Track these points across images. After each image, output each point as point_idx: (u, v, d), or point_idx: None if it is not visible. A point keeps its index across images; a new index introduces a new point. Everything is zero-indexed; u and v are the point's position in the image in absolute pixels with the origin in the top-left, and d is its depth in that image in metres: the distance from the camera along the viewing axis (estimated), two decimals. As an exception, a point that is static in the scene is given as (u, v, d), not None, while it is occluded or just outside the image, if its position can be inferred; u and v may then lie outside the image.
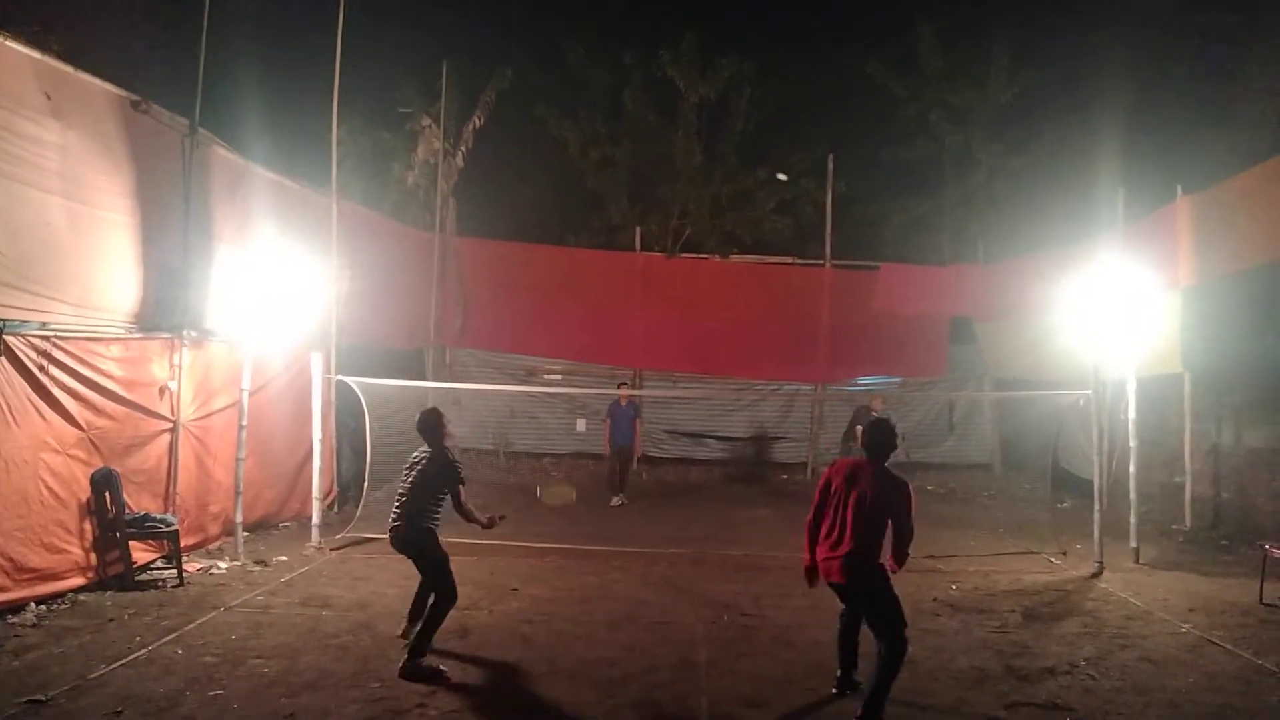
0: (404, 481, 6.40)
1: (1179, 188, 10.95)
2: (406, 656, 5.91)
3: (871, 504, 5.32)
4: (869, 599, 5.34)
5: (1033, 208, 16.03)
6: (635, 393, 13.41)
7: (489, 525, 6.44)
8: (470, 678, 5.87)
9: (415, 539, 6.25)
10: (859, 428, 13.18)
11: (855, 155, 16.99)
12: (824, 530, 5.46)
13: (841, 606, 5.72)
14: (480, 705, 5.44)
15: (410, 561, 6.38)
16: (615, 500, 13.12)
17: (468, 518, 6.32)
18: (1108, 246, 9.85)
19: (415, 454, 6.48)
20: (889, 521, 5.35)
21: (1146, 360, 9.91)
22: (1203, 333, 10.73)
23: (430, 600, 6.25)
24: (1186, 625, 7.33)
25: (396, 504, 6.36)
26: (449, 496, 6.29)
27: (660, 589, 8.38)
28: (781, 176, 17.54)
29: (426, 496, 6.29)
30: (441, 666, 5.91)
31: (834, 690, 5.68)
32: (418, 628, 6.12)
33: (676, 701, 5.60)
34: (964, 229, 17.05)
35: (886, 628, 5.26)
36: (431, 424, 6.46)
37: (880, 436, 5.62)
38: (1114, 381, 10.22)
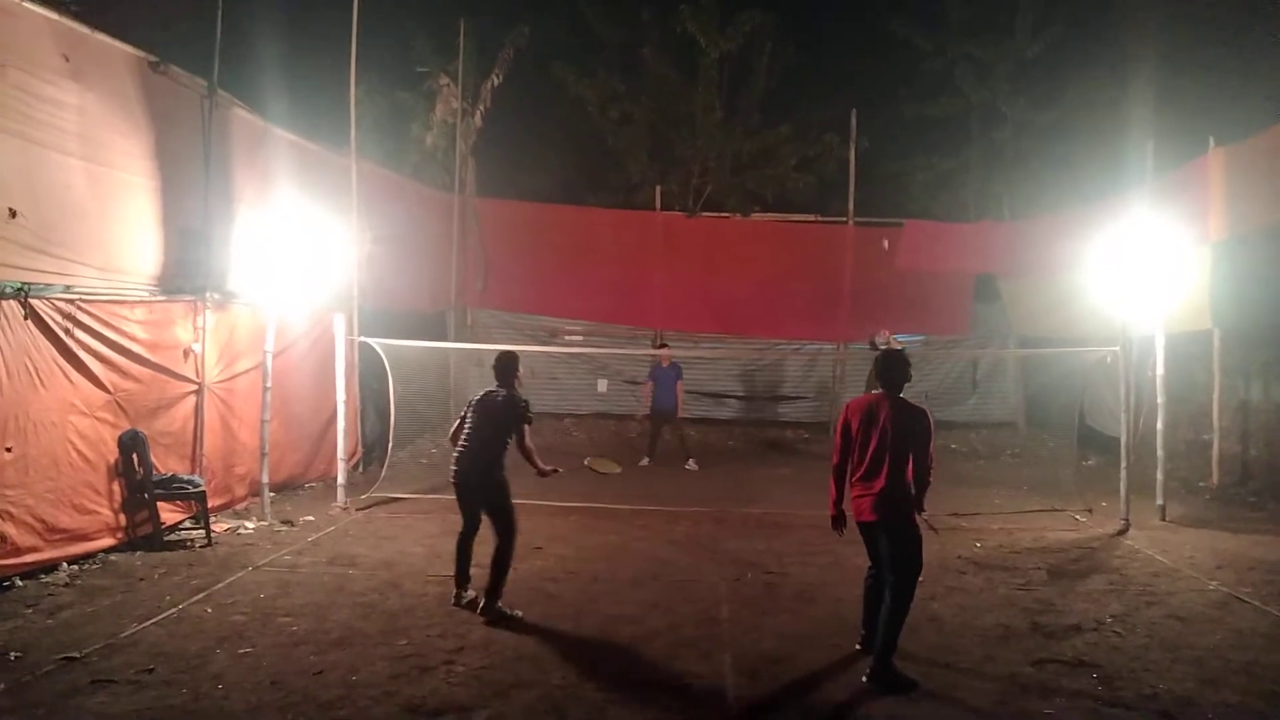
0: (468, 423, 6.60)
1: (1211, 139, 10.71)
2: (486, 599, 6.23)
3: (893, 437, 5.30)
4: (894, 538, 5.30)
5: (1060, 162, 15.75)
6: (662, 351, 13.19)
7: (544, 474, 6.63)
8: (496, 635, 5.92)
9: (486, 490, 6.45)
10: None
11: (879, 111, 16.70)
12: (851, 470, 5.44)
13: (868, 565, 5.67)
14: (507, 662, 5.49)
15: (462, 513, 6.61)
16: (644, 461, 13.09)
17: (528, 457, 6.53)
18: (1137, 201, 9.66)
19: (479, 394, 6.71)
20: (911, 455, 5.34)
21: (1175, 316, 9.75)
22: (1233, 288, 10.54)
23: (495, 544, 6.38)
24: (1214, 582, 7.29)
25: (462, 447, 6.54)
26: (514, 437, 6.47)
27: (683, 547, 8.41)
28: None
29: (494, 438, 6.46)
30: (518, 611, 6.25)
31: (858, 647, 5.68)
32: (488, 577, 6.32)
33: (701, 658, 5.62)
34: (989, 185, 16.79)
35: (903, 569, 5.26)
36: (508, 366, 6.70)
37: (893, 368, 5.58)
38: (1141, 338, 10.09)
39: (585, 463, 6.90)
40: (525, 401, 6.61)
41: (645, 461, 13.08)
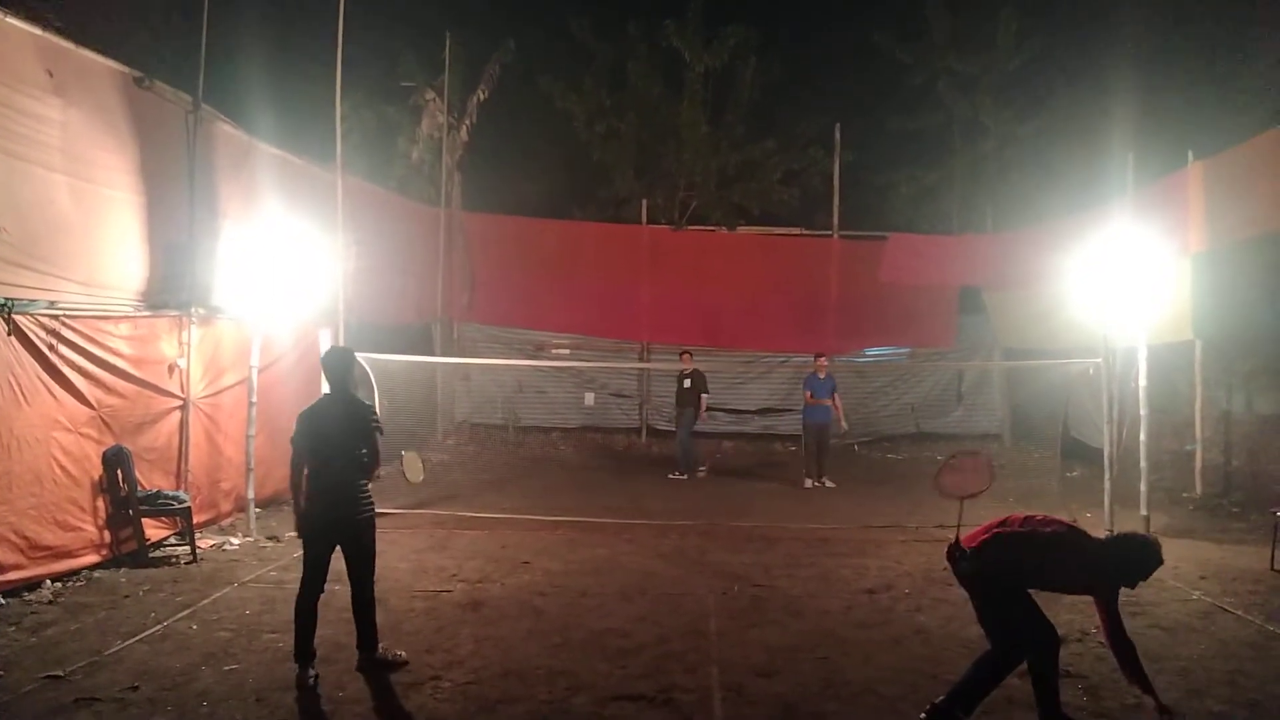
0: (308, 449, 5.49)
1: (1190, 153, 10.83)
2: (362, 653, 5.52)
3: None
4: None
5: (1042, 175, 15.92)
6: (820, 361, 12.69)
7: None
8: (484, 650, 5.90)
9: (359, 527, 5.52)
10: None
11: (863, 124, 16.92)
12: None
13: None
14: (494, 677, 5.47)
15: (308, 564, 5.53)
16: (809, 483, 12.48)
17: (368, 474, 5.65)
18: (1118, 213, 9.75)
19: (315, 406, 5.66)
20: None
21: (1157, 327, 9.82)
22: (1214, 299, 10.63)
23: (362, 592, 5.60)
24: (1197, 592, 7.33)
25: (312, 482, 5.49)
26: (364, 454, 5.49)
27: (671, 560, 8.41)
28: None
29: (348, 457, 5.48)
30: (399, 653, 5.62)
31: None
32: (361, 626, 5.58)
33: (688, 671, 5.62)
34: (972, 198, 16.95)
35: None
36: (336, 364, 5.71)
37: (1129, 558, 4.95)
38: (1124, 349, 10.15)
39: (402, 455, 6.23)
40: (373, 410, 5.65)
41: (810, 483, 12.52)
